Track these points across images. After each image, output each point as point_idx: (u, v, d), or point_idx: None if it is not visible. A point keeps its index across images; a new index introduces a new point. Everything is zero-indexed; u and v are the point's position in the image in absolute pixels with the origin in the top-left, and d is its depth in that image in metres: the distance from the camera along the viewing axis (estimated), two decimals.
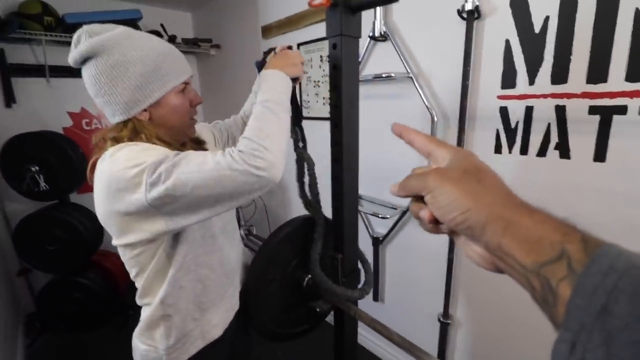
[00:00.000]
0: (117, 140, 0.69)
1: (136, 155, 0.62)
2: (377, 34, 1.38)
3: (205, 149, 0.87)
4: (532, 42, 1.06)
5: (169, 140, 0.74)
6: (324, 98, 1.75)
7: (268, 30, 2.03)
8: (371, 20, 1.36)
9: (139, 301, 0.79)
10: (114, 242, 0.71)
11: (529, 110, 1.10)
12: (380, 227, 1.66)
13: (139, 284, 0.76)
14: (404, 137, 0.37)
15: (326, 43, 1.64)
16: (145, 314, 0.78)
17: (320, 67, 1.73)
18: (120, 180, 0.61)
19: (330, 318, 0.91)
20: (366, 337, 1.85)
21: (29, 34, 1.96)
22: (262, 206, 2.21)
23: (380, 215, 1.48)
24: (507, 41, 1.11)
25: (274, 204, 2.34)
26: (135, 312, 0.82)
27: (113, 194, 0.62)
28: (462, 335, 1.46)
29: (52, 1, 2.07)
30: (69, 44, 1.94)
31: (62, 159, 1.89)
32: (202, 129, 0.94)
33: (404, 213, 1.48)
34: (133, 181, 0.60)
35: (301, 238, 0.95)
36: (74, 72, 1.72)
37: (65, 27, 2.07)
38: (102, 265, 2.18)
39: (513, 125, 1.15)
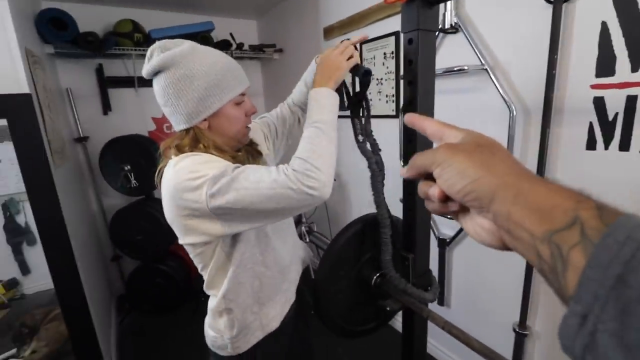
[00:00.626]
0: (179, 149, 0.75)
1: (198, 168, 0.68)
2: (447, 25, 1.32)
3: (258, 152, 0.92)
4: (636, 23, 0.92)
5: (224, 147, 0.79)
6: (387, 96, 1.73)
7: (330, 31, 2.06)
8: (439, 12, 1.31)
9: (207, 291, 0.86)
10: (180, 241, 0.78)
11: (631, 100, 0.97)
12: (447, 229, 1.58)
13: (204, 276, 0.83)
14: (416, 125, 0.36)
15: (390, 40, 1.62)
16: (211, 304, 0.85)
17: (383, 64, 1.70)
18: (185, 190, 0.67)
19: (395, 323, 0.90)
20: (435, 345, 1.78)
21: (121, 49, 2.24)
22: (323, 204, 2.24)
23: (448, 216, 1.41)
24: (604, 23, 0.98)
25: (334, 201, 2.37)
26: (205, 299, 0.89)
27: (177, 201, 0.69)
28: (541, 349, 1.33)
29: (140, 19, 2.35)
30: None
31: (149, 159, 2.13)
32: (253, 128, 0.96)
33: None
34: (195, 192, 0.66)
35: (370, 236, 0.95)
36: None
37: (151, 43, 2.33)
38: (178, 255, 2.41)
39: (611, 118, 1.01)
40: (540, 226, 0.22)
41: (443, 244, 1.58)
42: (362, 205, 2.16)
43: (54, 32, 1.92)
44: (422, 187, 0.31)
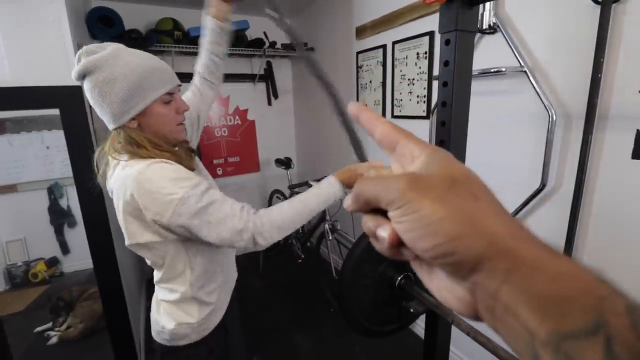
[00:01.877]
0: (117, 150, 0.79)
1: (165, 185, 0.73)
2: (484, 26, 1.28)
3: (192, 149, 0.96)
4: None
5: (160, 143, 0.81)
6: (418, 96, 1.70)
7: (362, 31, 2.05)
8: (478, 12, 1.28)
9: (163, 285, 0.89)
10: (132, 241, 0.80)
11: None
12: None
13: (160, 271, 0.87)
14: (361, 120, 0.27)
15: (423, 40, 1.60)
16: (173, 296, 0.88)
17: (416, 64, 1.68)
18: (151, 201, 0.73)
19: (416, 328, 0.88)
20: (457, 354, 1.75)
21: (162, 46, 2.35)
22: None
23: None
24: None
25: None
26: None
27: (143, 204, 0.73)
28: None
29: (179, 18, 2.45)
30: (191, 54, 2.28)
31: None
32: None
33: None
34: (161, 207, 0.73)
35: None
36: (192, 78, 1.97)
37: (190, 40, 2.43)
38: None
39: None
40: (544, 323, 0.16)
41: None
42: None
43: (102, 29, 2.04)
44: (368, 223, 0.23)
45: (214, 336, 0.95)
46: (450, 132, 0.77)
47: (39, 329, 2.19)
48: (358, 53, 2.13)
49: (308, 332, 2.11)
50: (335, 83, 2.46)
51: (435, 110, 1.59)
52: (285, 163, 2.66)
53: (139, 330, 1.93)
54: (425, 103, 1.66)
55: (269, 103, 3.18)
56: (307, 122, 3.11)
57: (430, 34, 1.58)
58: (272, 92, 3.11)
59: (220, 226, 0.76)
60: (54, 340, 2.10)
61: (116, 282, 1.59)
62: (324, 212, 2.15)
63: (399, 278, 0.95)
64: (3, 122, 2.48)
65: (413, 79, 1.72)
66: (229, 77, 2.90)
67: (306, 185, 2.06)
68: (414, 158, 0.23)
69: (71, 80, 1.41)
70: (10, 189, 2.56)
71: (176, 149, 0.88)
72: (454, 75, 0.75)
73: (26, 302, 2.51)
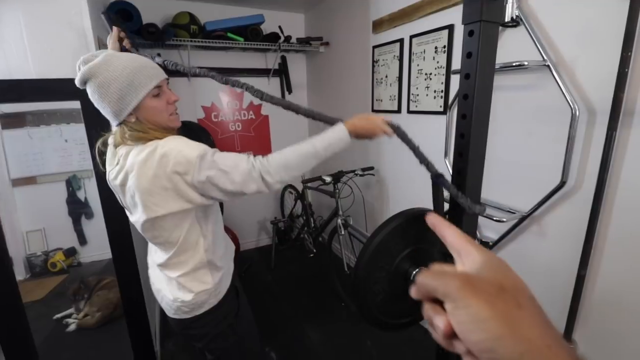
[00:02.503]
0: (124, 139, 0.90)
1: (183, 148, 0.84)
2: (507, 19, 1.25)
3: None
4: None
5: (158, 131, 0.91)
6: (435, 91, 1.68)
7: (379, 25, 2.03)
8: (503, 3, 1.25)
9: (176, 258, 0.96)
10: (156, 213, 0.88)
11: None
12: (491, 232, 1.52)
13: (175, 244, 0.94)
14: (437, 229, 0.34)
15: (442, 34, 1.57)
16: (186, 267, 0.97)
17: (433, 58, 1.66)
18: (176, 164, 0.82)
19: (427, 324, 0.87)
20: None
21: (178, 40, 2.38)
22: (360, 198, 2.25)
23: (495, 218, 1.36)
24: None
25: (371, 197, 2.36)
26: None
27: (167, 173, 0.83)
28: None
29: (196, 12, 2.47)
30: (207, 48, 2.28)
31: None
32: None
33: (523, 219, 1.33)
34: (186, 166, 0.82)
35: (411, 230, 0.94)
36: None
37: (205, 34, 2.45)
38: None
39: None
40: None
41: (485, 247, 1.52)
42: (400, 201, 2.13)
43: (121, 22, 2.08)
44: (429, 312, 0.27)
45: (228, 298, 1.07)
46: (471, 125, 0.76)
47: (58, 315, 2.26)
48: (374, 47, 2.11)
49: (319, 325, 2.13)
50: (350, 78, 2.46)
51: (453, 106, 1.57)
52: None
53: (154, 318, 1.98)
54: (443, 98, 1.63)
55: (283, 98, 3.18)
56: (326, 112, 3.10)
57: (450, 28, 1.55)
58: (287, 87, 3.12)
59: (233, 171, 0.86)
60: (72, 327, 2.17)
61: (133, 271, 1.63)
62: (336, 207, 2.15)
63: (414, 271, 0.94)
64: (23, 115, 2.56)
65: (430, 74, 1.69)
66: (244, 72, 2.92)
67: (320, 179, 2.06)
68: (473, 262, 0.28)
69: None
70: (30, 181, 2.64)
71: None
72: (477, 67, 0.74)
73: (45, 290, 2.60)
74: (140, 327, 1.67)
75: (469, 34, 0.74)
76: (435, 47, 1.64)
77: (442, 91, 1.64)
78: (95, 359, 1.93)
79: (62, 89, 1.37)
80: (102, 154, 1.01)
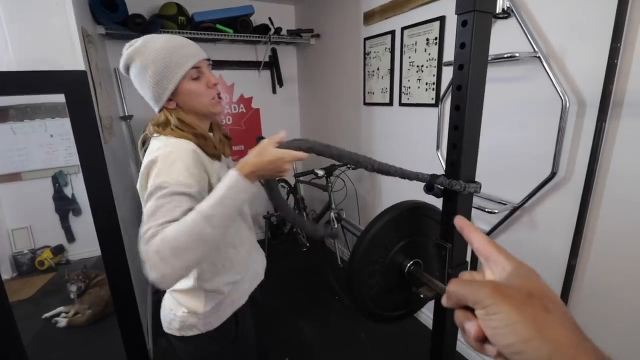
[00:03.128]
0: (154, 124, 0.85)
1: (162, 167, 0.72)
2: (498, 10, 1.25)
3: (229, 137, 0.99)
4: None
5: (194, 124, 0.84)
6: (427, 84, 1.68)
7: (370, 16, 2.01)
8: None
9: None
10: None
11: None
12: (483, 223, 1.54)
13: None
14: (464, 233, 0.35)
15: (434, 25, 1.56)
16: (179, 285, 0.88)
17: (425, 50, 1.65)
18: (152, 174, 0.73)
19: (421, 316, 0.88)
20: (465, 344, 1.76)
21: (166, 32, 2.32)
22: (353, 192, 2.25)
23: (487, 210, 1.37)
24: None
25: (364, 190, 2.36)
26: None
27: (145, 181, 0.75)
28: None
29: (183, 2, 2.41)
30: (196, 39, 2.22)
31: None
32: None
33: (514, 210, 1.34)
34: (150, 180, 0.72)
35: (406, 223, 0.94)
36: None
37: (194, 25, 2.39)
38: None
39: None
40: None
41: None
42: (392, 194, 2.14)
43: (105, 13, 2.01)
44: (460, 318, 0.29)
45: (223, 329, 0.93)
46: (465, 117, 0.76)
47: (47, 314, 2.22)
48: (366, 39, 2.09)
49: (313, 319, 2.14)
50: (342, 71, 2.44)
51: (445, 98, 1.57)
52: None
53: (146, 315, 1.96)
54: (435, 90, 1.63)
55: (274, 91, 3.15)
56: (312, 110, 3.08)
57: (442, 19, 1.54)
58: (277, 80, 3.08)
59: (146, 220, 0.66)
60: (62, 323, 2.14)
61: (124, 268, 1.60)
62: (329, 200, 2.14)
63: (409, 264, 0.95)
64: (6, 109, 2.47)
65: (422, 66, 1.69)
66: (234, 64, 2.87)
67: (312, 173, 2.05)
68: (502, 269, 0.30)
69: (76, 65, 1.40)
70: (15, 177, 2.56)
71: (211, 134, 0.90)
72: (470, 58, 0.73)
73: (33, 289, 2.54)
74: (131, 324, 1.65)
75: (462, 24, 0.74)
76: (427, 39, 1.63)
77: (433, 83, 1.63)
78: (86, 358, 1.91)
79: (44, 81, 1.32)
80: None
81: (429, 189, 0.84)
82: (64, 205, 2.64)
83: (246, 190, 0.70)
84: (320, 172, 2.01)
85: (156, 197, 0.68)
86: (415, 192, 1.84)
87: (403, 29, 1.77)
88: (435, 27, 1.57)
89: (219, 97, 0.88)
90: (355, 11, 2.17)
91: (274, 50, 2.98)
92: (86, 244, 2.69)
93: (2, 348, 1.43)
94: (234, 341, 0.96)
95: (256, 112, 3.14)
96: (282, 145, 0.72)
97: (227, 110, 3.01)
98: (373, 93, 2.10)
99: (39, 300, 2.38)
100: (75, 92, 1.37)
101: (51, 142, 2.71)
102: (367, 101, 2.19)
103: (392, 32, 1.85)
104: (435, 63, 1.61)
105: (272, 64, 3.02)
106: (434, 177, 0.82)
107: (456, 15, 0.75)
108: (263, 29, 2.64)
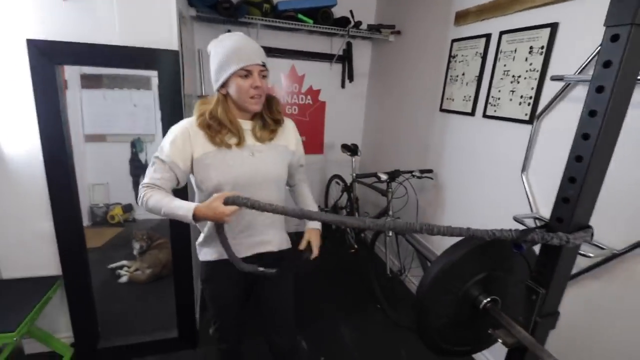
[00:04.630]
0: (201, 103, 1.08)
1: (168, 135, 1.04)
2: None
3: (275, 120, 1.12)
4: None
5: (235, 112, 1.05)
6: (521, 97, 1.50)
7: (463, 17, 1.85)
8: None
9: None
10: None
11: None
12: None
13: None
14: None
15: (542, 32, 1.38)
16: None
17: (526, 60, 1.47)
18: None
19: (478, 356, 0.78)
20: None
21: (250, 18, 2.37)
22: (414, 201, 2.13)
23: (580, 252, 1.19)
24: None
25: (425, 201, 2.23)
26: None
27: None
28: None
29: None
30: (277, 28, 2.26)
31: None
32: (288, 130, 1.18)
33: (613, 257, 1.15)
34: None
35: (489, 254, 0.84)
36: (274, 52, 2.05)
37: (276, 14, 2.42)
38: None
39: None
40: None
41: None
42: (457, 210, 1.99)
43: None
44: None
45: (203, 266, 1.18)
46: (595, 148, 0.64)
47: (112, 265, 2.47)
48: (453, 41, 1.93)
49: (353, 323, 2.09)
50: (419, 71, 2.31)
51: (543, 115, 1.39)
52: (351, 149, 2.59)
53: (197, 287, 2.07)
54: (530, 105, 1.45)
55: (343, 85, 3.10)
56: (379, 109, 2.98)
57: (553, 26, 1.35)
58: (348, 75, 3.02)
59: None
60: (124, 279, 2.35)
61: (186, 236, 1.68)
62: (387, 206, 2.06)
63: (485, 300, 0.85)
64: (101, 77, 2.75)
65: (519, 77, 1.51)
66: (308, 55, 2.87)
67: (375, 176, 1.98)
68: None
69: (172, 45, 1.47)
70: (100, 138, 2.87)
71: (252, 121, 1.09)
72: (615, 80, 0.61)
73: (104, 239, 2.84)
74: (185, 290, 1.74)
75: (612, 38, 0.61)
76: (531, 47, 1.45)
77: (530, 97, 1.45)
78: (142, 313, 2.07)
79: (143, 57, 1.41)
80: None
81: (516, 247, 0.72)
82: (138, 169, 2.90)
83: (188, 220, 0.94)
84: (383, 176, 1.93)
85: (152, 157, 1.03)
86: (485, 211, 1.68)
87: (502, 33, 1.59)
88: (544, 35, 1.39)
89: (259, 97, 1.03)
90: (445, 10, 2.02)
91: (349, 44, 2.92)
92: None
93: (77, 288, 1.60)
94: (205, 281, 1.20)
95: (322, 105, 3.12)
96: (228, 199, 0.88)
97: (295, 100, 3.03)
98: (453, 100, 1.95)
99: (107, 251, 2.65)
100: (167, 70, 1.45)
101: (134, 111, 2.98)
102: (444, 107, 2.05)
103: (488, 36, 1.68)
104: (536, 75, 1.43)
105: (345, 58, 2.97)
106: (524, 233, 0.69)
107: (605, 27, 0.62)
108: (343, 22, 2.59)
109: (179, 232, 1.67)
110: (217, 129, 1.02)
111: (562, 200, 0.68)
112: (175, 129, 1.03)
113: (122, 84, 2.88)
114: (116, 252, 2.61)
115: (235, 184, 1.03)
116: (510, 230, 0.71)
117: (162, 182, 1.02)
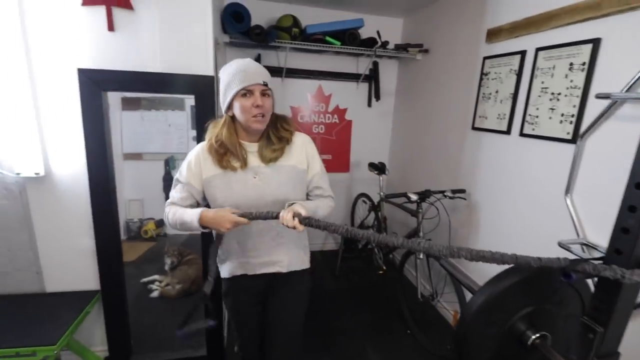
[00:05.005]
0: (212, 125, 1.12)
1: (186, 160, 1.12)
2: None
3: (280, 138, 1.11)
4: None
5: (242, 132, 1.08)
6: (562, 115, 1.43)
7: (496, 34, 1.82)
8: None
9: None
10: None
11: None
12: None
13: None
14: None
15: (583, 49, 1.33)
16: None
17: (566, 76, 1.41)
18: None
19: None
20: None
21: (279, 42, 2.46)
22: (446, 222, 2.06)
23: None
24: None
25: (458, 222, 2.15)
26: None
27: None
28: None
29: (298, 15, 2.53)
30: (304, 50, 2.31)
31: None
32: (299, 146, 1.14)
33: None
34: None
35: (538, 286, 0.78)
36: (300, 74, 2.08)
37: (305, 37, 2.49)
38: None
39: None
40: None
41: None
42: (492, 232, 1.89)
43: (233, 24, 2.22)
44: None
45: (225, 283, 1.22)
46: None
47: (144, 279, 2.54)
48: (485, 58, 1.90)
49: (381, 347, 2.01)
50: (449, 89, 2.28)
51: (588, 134, 1.31)
52: (379, 168, 2.56)
53: None
54: (573, 124, 1.38)
55: (369, 104, 3.11)
56: (407, 127, 2.95)
57: (595, 42, 1.30)
58: (375, 94, 3.03)
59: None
60: (155, 294, 2.40)
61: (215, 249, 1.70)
62: (417, 227, 2.00)
63: (533, 336, 0.78)
64: (139, 100, 2.93)
65: (559, 94, 1.45)
66: (334, 75, 2.91)
67: (404, 196, 1.93)
68: None
69: (207, 70, 1.54)
70: (137, 157, 3.02)
71: (259, 142, 1.09)
72: None
73: (137, 254, 2.94)
74: (214, 310, 1.74)
75: None
76: (571, 64, 1.39)
77: (572, 115, 1.38)
78: (171, 329, 2.09)
79: (182, 83, 1.48)
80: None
81: (565, 276, 0.67)
82: (170, 186, 3.02)
83: (195, 225, 1.02)
84: (414, 197, 1.89)
85: (174, 179, 1.13)
86: (524, 234, 1.59)
87: (538, 49, 1.55)
88: (585, 51, 1.33)
89: (262, 117, 1.03)
90: (476, 27, 2.00)
91: (375, 64, 2.94)
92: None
93: (113, 302, 1.65)
94: (224, 296, 1.25)
95: (348, 124, 3.14)
96: (238, 212, 0.99)
97: (322, 119, 3.07)
98: (486, 118, 1.90)
99: (141, 265, 2.74)
100: (203, 94, 1.52)
101: (168, 130, 3.13)
102: (476, 125, 1.99)
103: (523, 53, 1.63)
104: (578, 92, 1.36)
105: (372, 77, 2.99)
106: (575, 263, 0.64)
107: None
108: (369, 42, 2.62)
109: (209, 247, 1.69)
110: (222, 152, 1.05)
111: (621, 230, 0.63)
112: (191, 154, 1.10)
113: (158, 106, 3.05)
114: (149, 266, 2.69)
115: (238, 206, 1.04)
116: (559, 258, 0.66)
117: (182, 202, 1.10)
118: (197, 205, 1.13)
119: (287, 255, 1.18)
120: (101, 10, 1.40)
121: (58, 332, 1.38)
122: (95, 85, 1.42)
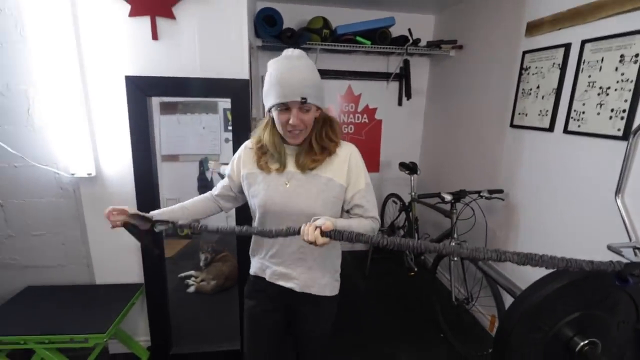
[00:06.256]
0: (257, 124, 1.08)
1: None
2: None
3: (324, 148, 1.01)
4: None
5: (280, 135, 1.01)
6: (612, 110, 1.34)
7: (537, 27, 1.74)
8: None
9: None
10: None
11: None
12: None
13: None
14: None
15: (635, 39, 1.24)
16: None
17: (616, 69, 1.32)
18: None
19: None
20: None
21: (310, 44, 2.48)
22: (482, 224, 1.99)
23: None
24: None
25: (495, 223, 2.07)
26: None
27: None
28: None
29: (329, 16, 2.55)
30: (334, 51, 2.32)
31: None
32: (341, 160, 1.03)
33: None
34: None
35: (588, 290, 0.75)
36: (330, 74, 2.07)
37: (335, 38, 2.50)
38: None
39: None
40: None
41: None
42: (533, 235, 1.81)
43: (266, 28, 2.27)
44: None
45: (250, 281, 1.19)
46: None
47: (181, 274, 2.66)
48: (525, 52, 1.82)
49: (414, 350, 1.98)
50: (486, 86, 2.21)
51: (639, 132, 1.22)
52: (410, 168, 2.52)
53: None
54: (624, 120, 1.29)
55: (399, 103, 3.06)
56: (439, 125, 2.88)
57: None
58: (405, 92, 2.99)
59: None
60: (191, 289, 2.51)
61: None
62: (450, 228, 1.95)
63: (582, 343, 0.75)
64: (176, 104, 3.08)
65: (608, 88, 1.36)
66: (364, 75, 2.90)
67: (438, 196, 1.89)
68: None
69: (243, 74, 1.59)
70: (174, 158, 3.18)
71: (299, 146, 1.01)
72: None
73: (174, 250, 3.08)
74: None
75: None
76: (621, 56, 1.30)
77: (624, 111, 1.29)
78: (207, 323, 2.18)
79: (220, 87, 1.55)
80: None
81: (621, 281, 0.63)
82: (204, 186, 3.15)
83: None
84: (448, 197, 1.84)
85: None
86: (568, 236, 1.51)
87: (584, 42, 1.46)
88: (638, 42, 1.24)
89: (299, 131, 0.95)
90: (514, 21, 1.91)
91: (406, 62, 2.90)
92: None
93: (155, 295, 1.75)
94: (248, 295, 1.18)
95: (378, 124, 3.11)
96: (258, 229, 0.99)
97: (351, 119, 3.06)
98: (526, 114, 1.81)
99: (178, 261, 2.87)
100: (239, 97, 1.57)
101: (202, 133, 3.26)
102: (515, 123, 1.91)
103: (567, 46, 1.55)
104: (630, 86, 1.27)
105: (402, 76, 2.95)
106: (632, 266, 0.60)
107: None
108: (400, 40, 2.59)
109: (244, 243, 1.75)
110: (261, 153, 1.03)
111: None
112: (239, 149, 1.14)
113: (193, 109, 3.18)
114: (185, 262, 2.82)
115: (264, 208, 1.01)
116: (612, 262, 0.62)
117: (222, 190, 1.17)
118: (235, 198, 1.18)
119: (305, 275, 1.07)
120: (146, 21, 1.49)
121: (107, 321, 1.48)
122: (141, 91, 1.51)
